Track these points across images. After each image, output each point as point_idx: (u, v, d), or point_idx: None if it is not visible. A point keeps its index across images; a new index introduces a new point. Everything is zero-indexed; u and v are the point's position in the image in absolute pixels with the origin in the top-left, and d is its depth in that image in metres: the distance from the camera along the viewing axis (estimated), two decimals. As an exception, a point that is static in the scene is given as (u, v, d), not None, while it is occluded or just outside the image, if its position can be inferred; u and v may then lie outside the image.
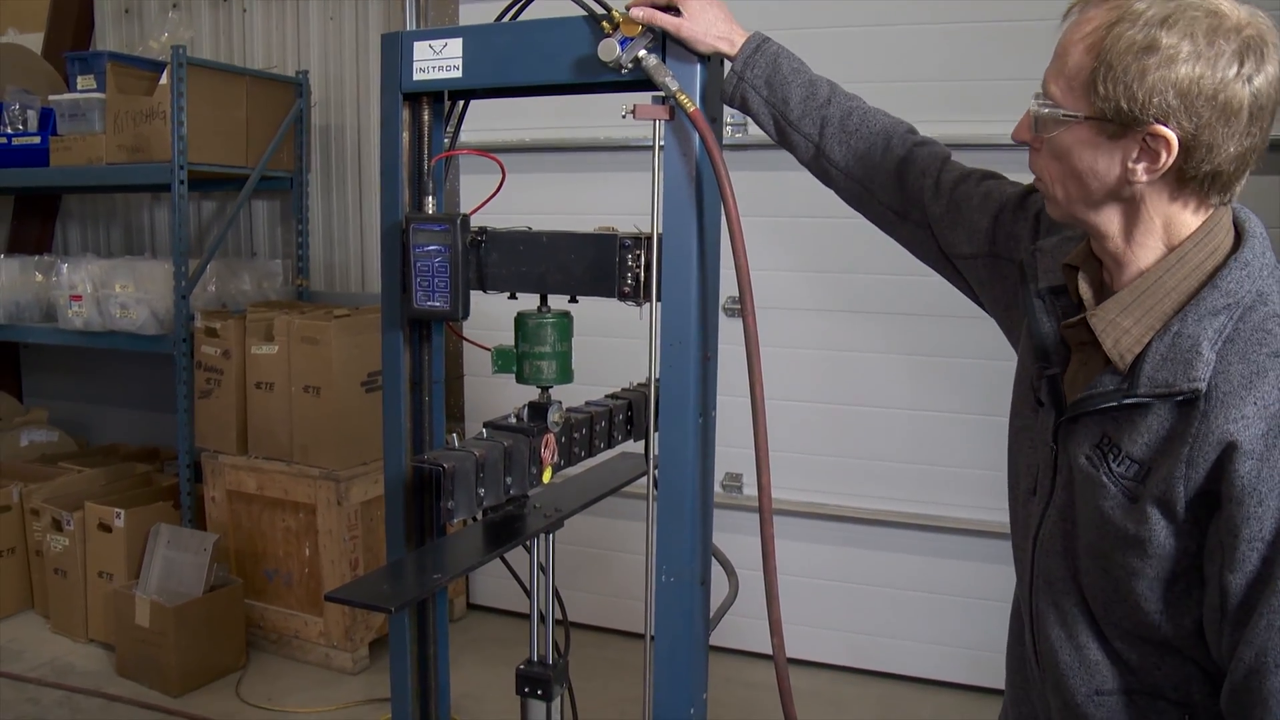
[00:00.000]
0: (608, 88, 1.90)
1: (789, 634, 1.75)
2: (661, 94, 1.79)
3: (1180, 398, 1.27)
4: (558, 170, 4.58)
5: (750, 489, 4.41)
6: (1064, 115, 1.31)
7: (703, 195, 1.82)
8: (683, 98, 1.75)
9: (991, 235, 1.67)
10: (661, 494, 1.89)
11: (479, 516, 2.03)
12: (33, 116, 4.99)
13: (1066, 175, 1.35)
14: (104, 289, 4.69)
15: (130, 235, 6.03)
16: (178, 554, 4.28)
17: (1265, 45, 1.24)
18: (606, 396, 2.33)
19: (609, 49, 1.77)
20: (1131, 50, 1.24)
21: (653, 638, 1.92)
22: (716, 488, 3.62)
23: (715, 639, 2.09)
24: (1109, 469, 1.36)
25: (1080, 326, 1.42)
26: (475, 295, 2.07)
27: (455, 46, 1.98)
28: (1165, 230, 1.34)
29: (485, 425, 2.07)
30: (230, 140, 4.76)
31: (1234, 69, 1.23)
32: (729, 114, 3.96)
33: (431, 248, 2.00)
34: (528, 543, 2.07)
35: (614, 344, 3.62)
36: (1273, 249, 1.35)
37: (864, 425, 4.25)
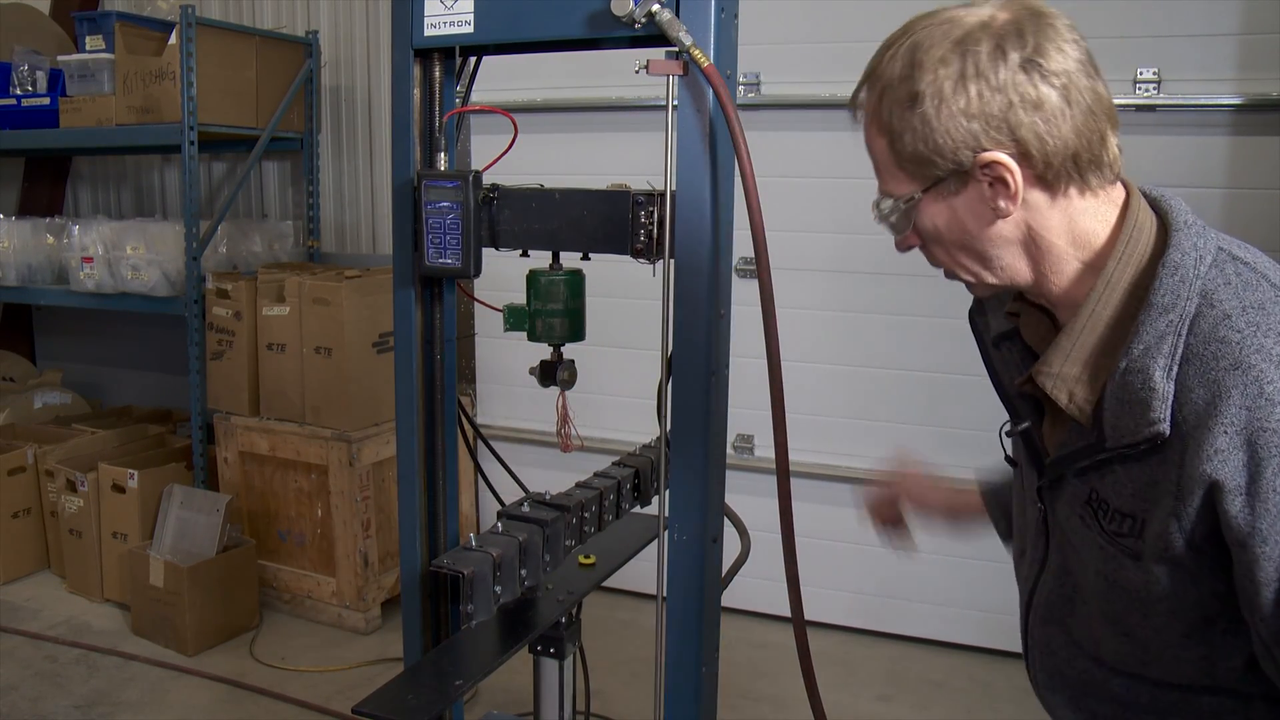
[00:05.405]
0: (621, 43, 1.87)
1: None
2: (675, 49, 1.76)
3: (1146, 445, 1.15)
4: (569, 130, 4.54)
5: (761, 450, 4.41)
6: (904, 203, 1.25)
7: (716, 152, 1.80)
8: (697, 52, 1.72)
9: None
10: (674, 452, 1.88)
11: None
12: (41, 77, 4.96)
13: (956, 250, 1.27)
14: (115, 251, 4.69)
15: (141, 197, 6.02)
16: (191, 515, 4.30)
17: (1023, 26, 1.15)
18: (614, 464, 2.35)
19: (622, 3, 1.75)
20: (903, 111, 1.19)
21: (664, 598, 1.92)
22: (728, 449, 3.64)
23: (723, 599, 2.09)
24: (1102, 529, 1.23)
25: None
26: (487, 255, 2.06)
27: (467, 1, 1.95)
28: (1073, 243, 1.22)
29: (499, 515, 2.08)
30: (240, 101, 4.74)
31: (1001, 67, 1.14)
32: (741, 72, 3.92)
33: (443, 204, 1.98)
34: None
35: (625, 305, 3.61)
36: (1200, 224, 1.20)
37: (876, 387, 4.24)
